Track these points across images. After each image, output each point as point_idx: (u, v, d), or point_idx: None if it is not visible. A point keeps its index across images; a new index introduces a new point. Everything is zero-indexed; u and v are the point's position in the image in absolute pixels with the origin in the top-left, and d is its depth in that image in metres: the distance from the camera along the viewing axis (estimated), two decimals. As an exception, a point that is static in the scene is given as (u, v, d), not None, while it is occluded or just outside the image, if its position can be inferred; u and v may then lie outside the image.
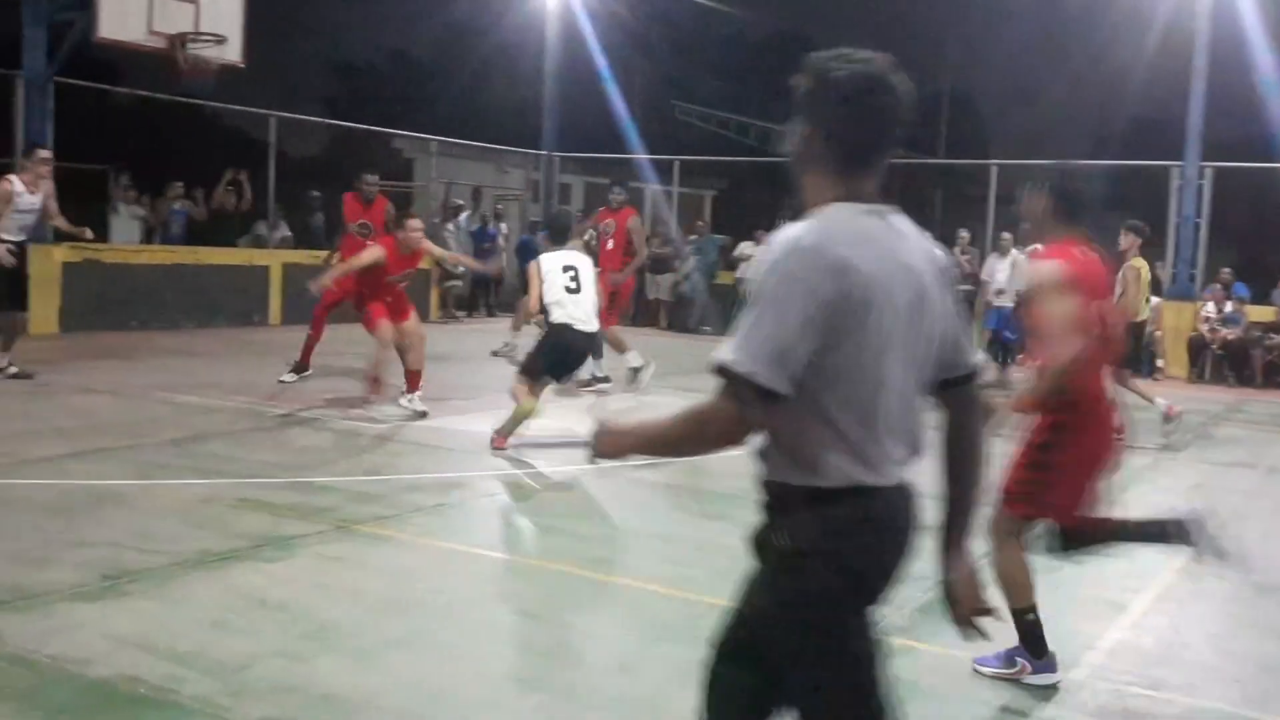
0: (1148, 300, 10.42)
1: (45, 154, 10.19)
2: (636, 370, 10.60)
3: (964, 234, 17.63)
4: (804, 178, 2.35)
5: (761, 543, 2.36)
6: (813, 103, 2.31)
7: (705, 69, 42.20)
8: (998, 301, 16.34)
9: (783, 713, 2.40)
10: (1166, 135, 19.27)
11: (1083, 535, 4.36)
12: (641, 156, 21.84)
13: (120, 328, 13.80)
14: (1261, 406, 13.26)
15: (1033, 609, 4.34)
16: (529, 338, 8.60)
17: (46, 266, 12.69)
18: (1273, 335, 15.18)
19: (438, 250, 9.80)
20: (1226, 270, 16.41)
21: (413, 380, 9.14)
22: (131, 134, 24.66)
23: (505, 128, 25.03)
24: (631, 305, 19.08)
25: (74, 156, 12.91)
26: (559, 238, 8.62)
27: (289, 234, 17.46)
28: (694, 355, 11.27)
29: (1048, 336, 4.11)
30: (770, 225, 22.65)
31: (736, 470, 8.49)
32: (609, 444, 2.42)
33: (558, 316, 8.04)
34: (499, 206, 21.03)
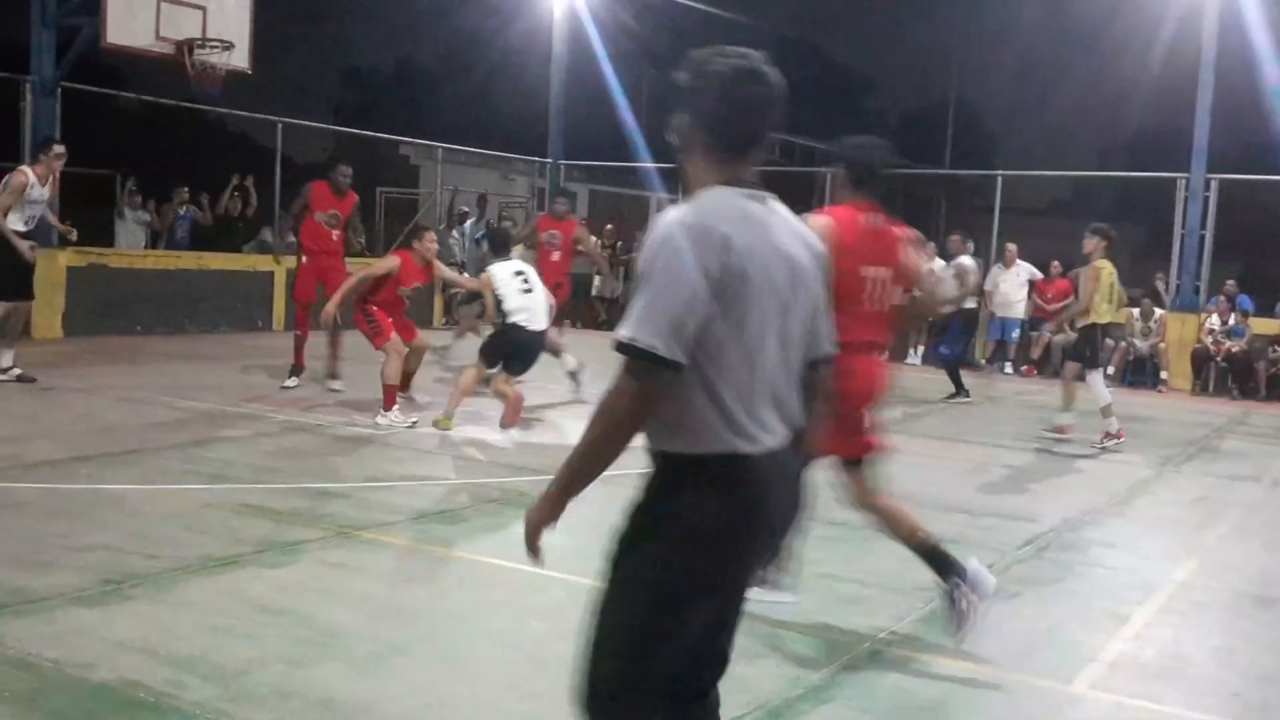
0: (1113, 304, 10.21)
1: (60, 149, 10.32)
2: (573, 373, 10.72)
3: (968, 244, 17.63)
4: (688, 165, 2.52)
5: (640, 507, 2.46)
6: (693, 94, 2.48)
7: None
8: (1001, 313, 16.38)
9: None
10: (1172, 146, 19.24)
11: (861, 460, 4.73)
12: (646, 164, 21.84)
13: (124, 332, 13.82)
14: (1265, 419, 13.24)
15: (920, 532, 4.59)
16: (469, 343, 8.99)
17: (51, 271, 12.71)
18: (1277, 348, 15.15)
19: (446, 271, 10.01)
20: (1231, 282, 16.40)
21: (405, 383, 9.56)
22: (138, 139, 24.75)
23: (511, 135, 25.08)
24: (605, 311, 19.19)
25: (81, 161, 12.94)
26: (501, 249, 9.38)
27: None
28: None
29: None
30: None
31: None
32: (535, 519, 2.48)
33: (513, 318, 8.66)
34: (504, 214, 21.06)
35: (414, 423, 8.87)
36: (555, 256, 12.17)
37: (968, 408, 12.33)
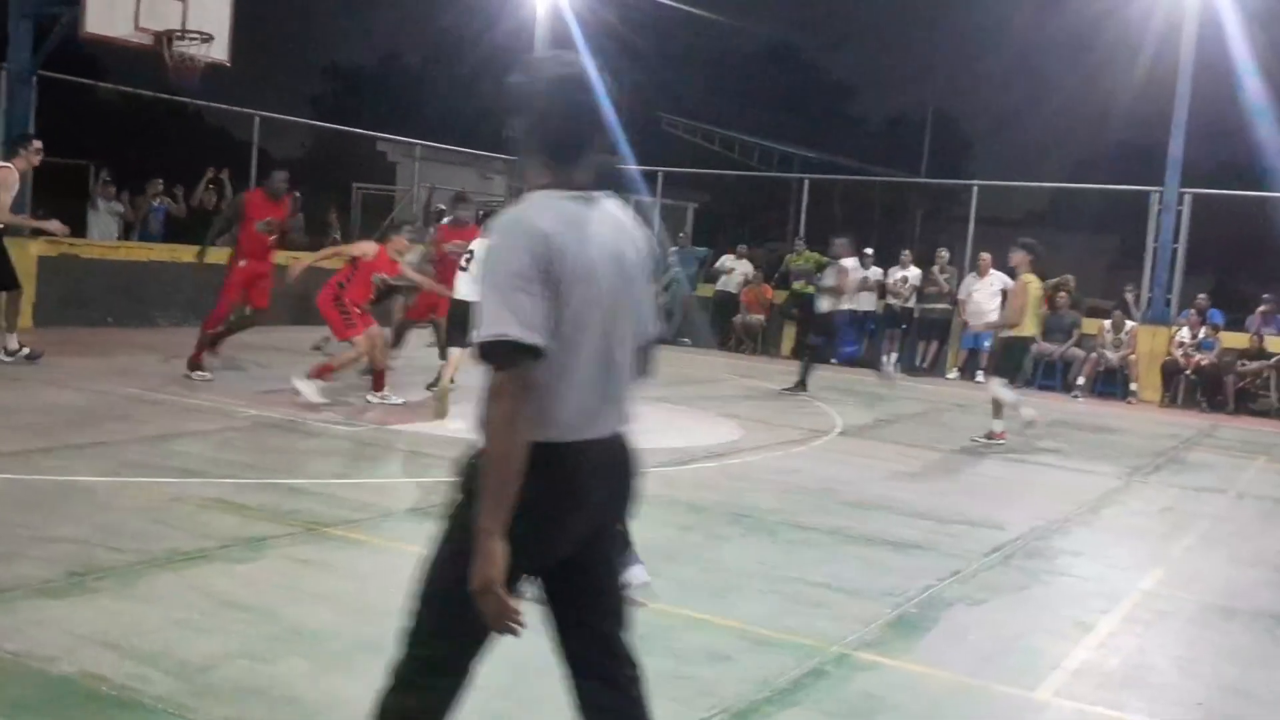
0: (1038, 317, 10.48)
1: (39, 144, 10.58)
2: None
3: (943, 253, 17.72)
4: (523, 168, 2.60)
5: (465, 483, 2.51)
6: (525, 99, 2.57)
7: (693, 81, 42.33)
8: (974, 322, 16.37)
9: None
10: (1148, 161, 19.39)
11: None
12: (628, 166, 21.84)
13: (95, 323, 13.72)
14: (1233, 432, 13.36)
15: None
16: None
17: (22, 261, 12.54)
18: (1246, 362, 15.30)
19: (409, 272, 10.15)
20: (1203, 296, 16.53)
21: (380, 379, 9.76)
22: (114, 130, 24.55)
23: (492, 134, 24.98)
24: None
25: (55, 151, 12.82)
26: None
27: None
28: (672, 367, 11.28)
29: None
30: (752, 239, 22.81)
31: (707, 482, 8.49)
32: (483, 578, 2.38)
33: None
34: (481, 213, 20.97)
35: (404, 401, 9.47)
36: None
37: (939, 414, 12.42)
